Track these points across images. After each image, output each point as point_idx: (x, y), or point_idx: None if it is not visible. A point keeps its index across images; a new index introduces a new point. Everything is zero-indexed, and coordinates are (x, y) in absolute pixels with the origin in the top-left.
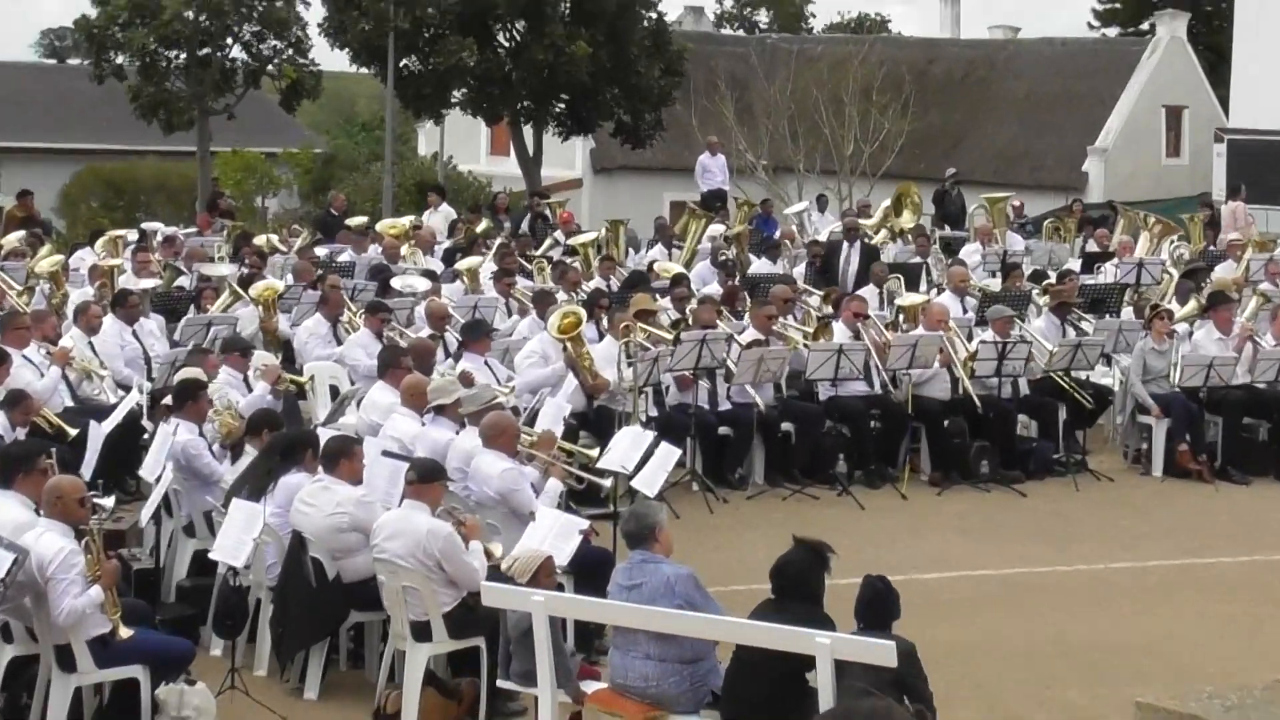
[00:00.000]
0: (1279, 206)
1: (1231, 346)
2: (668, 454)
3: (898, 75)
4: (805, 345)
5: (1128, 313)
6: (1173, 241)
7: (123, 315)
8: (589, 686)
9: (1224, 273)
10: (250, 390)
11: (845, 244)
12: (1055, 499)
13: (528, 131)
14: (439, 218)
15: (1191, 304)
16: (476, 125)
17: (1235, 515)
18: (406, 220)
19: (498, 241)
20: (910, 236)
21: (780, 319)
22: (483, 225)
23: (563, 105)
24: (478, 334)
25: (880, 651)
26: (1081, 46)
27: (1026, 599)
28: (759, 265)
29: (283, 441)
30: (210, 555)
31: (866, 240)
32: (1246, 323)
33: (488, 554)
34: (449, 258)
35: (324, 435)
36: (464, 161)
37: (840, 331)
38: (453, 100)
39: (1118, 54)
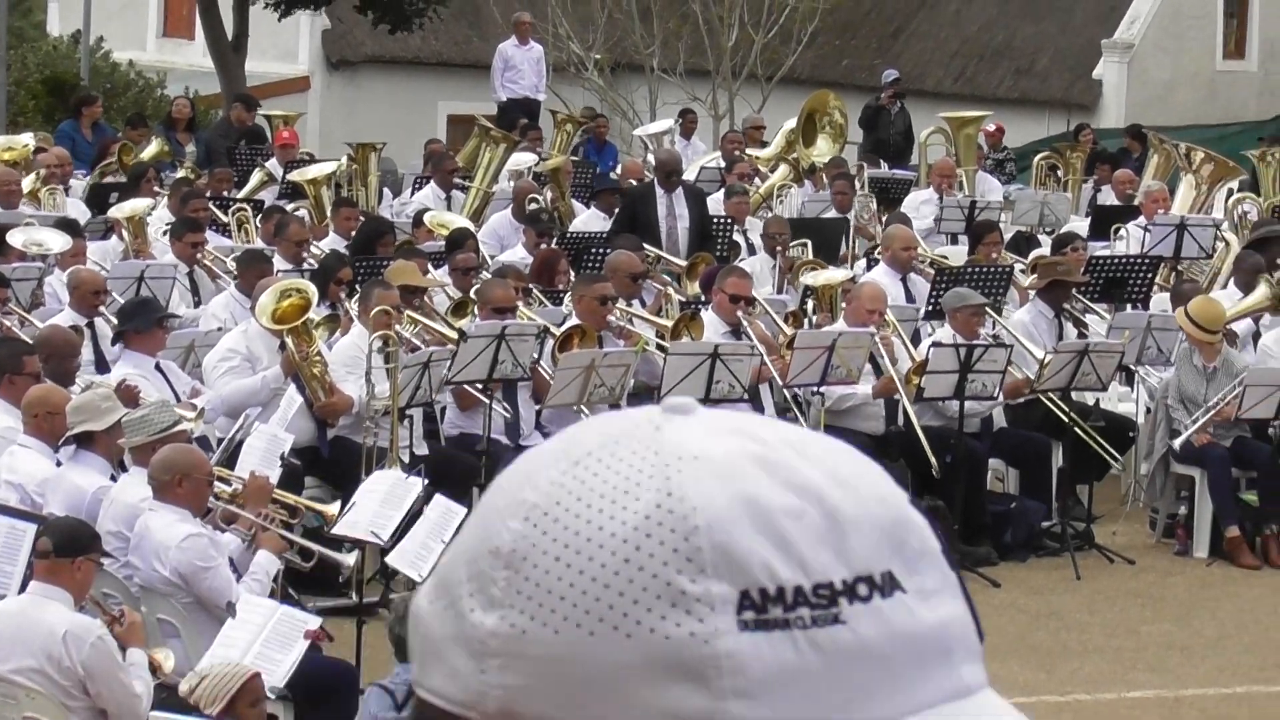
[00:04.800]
0: None
1: None
2: (444, 515)
3: None
4: (660, 346)
5: (1162, 301)
6: (1232, 191)
7: None
8: None
9: None
10: None
11: (659, 190)
12: (1045, 590)
13: (224, 1)
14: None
15: (1261, 290)
16: None
17: None
18: (29, 139)
19: (176, 175)
20: (826, 177)
21: (622, 305)
22: (152, 149)
23: None
24: (146, 322)
25: None
26: None
27: None
28: (588, 218)
29: None
30: None
31: (696, 186)
32: None
33: (155, 667)
34: (99, 199)
35: None
36: (122, 47)
37: (713, 325)
38: None
39: None
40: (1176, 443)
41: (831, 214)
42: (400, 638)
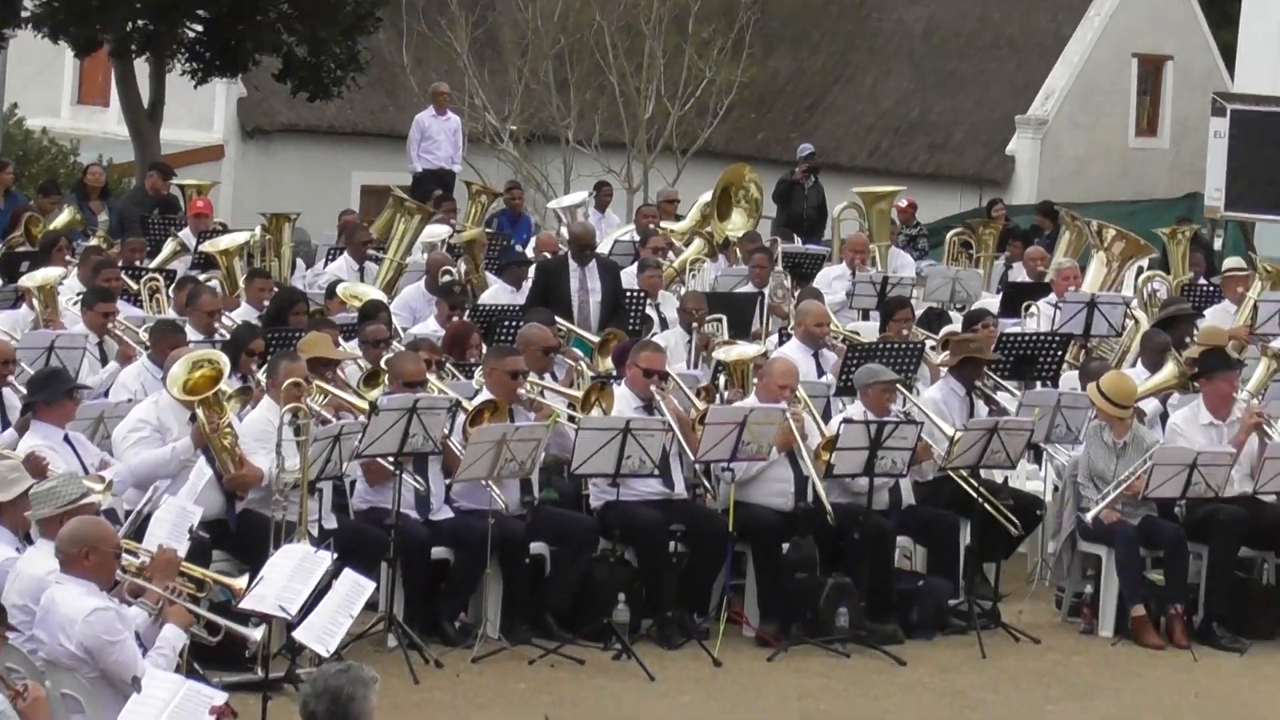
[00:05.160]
0: None
1: (1227, 437)
2: (353, 589)
3: None
4: (571, 419)
5: (1072, 379)
6: (1142, 269)
7: None
8: None
9: (1219, 319)
10: None
11: (573, 263)
12: (951, 669)
13: (140, 68)
14: None
15: (1169, 368)
16: (58, 56)
17: (1221, 698)
18: None
19: (88, 244)
20: (740, 252)
21: (533, 378)
22: (64, 217)
23: (198, 28)
24: (55, 392)
25: None
26: None
27: None
28: (496, 290)
29: None
30: None
31: (609, 259)
32: (1253, 401)
33: None
34: (8, 268)
35: None
36: (35, 114)
37: (625, 399)
38: (19, 12)
39: None
40: (1088, 516)
41: (745, 288)
42: (314, 713)
